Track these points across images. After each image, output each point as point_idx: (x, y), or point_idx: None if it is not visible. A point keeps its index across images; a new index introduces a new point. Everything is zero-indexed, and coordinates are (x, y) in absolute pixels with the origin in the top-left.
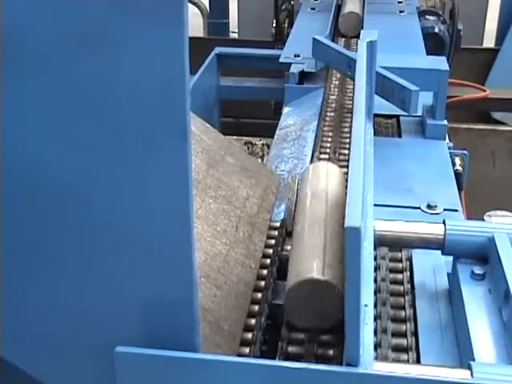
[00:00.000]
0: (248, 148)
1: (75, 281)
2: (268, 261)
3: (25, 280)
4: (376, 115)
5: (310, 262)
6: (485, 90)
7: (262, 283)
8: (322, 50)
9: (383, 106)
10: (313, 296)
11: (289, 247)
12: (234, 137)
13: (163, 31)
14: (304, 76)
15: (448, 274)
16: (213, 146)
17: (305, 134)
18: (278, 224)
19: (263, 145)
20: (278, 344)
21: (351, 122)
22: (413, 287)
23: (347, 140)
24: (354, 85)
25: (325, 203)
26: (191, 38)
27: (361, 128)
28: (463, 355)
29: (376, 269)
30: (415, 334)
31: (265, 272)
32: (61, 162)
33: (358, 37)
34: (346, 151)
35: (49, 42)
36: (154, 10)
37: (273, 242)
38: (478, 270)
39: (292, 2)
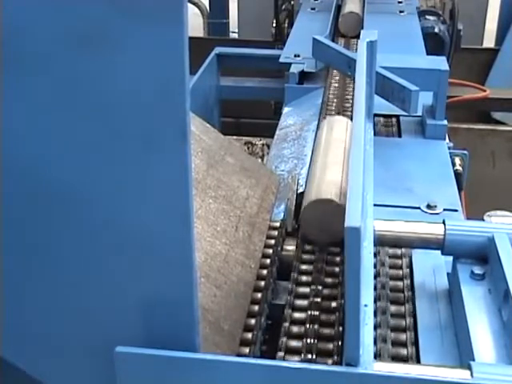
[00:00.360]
0: (248, 148)
1: (75, 281)
2: (268, 261)
3: (25, 280)
4: (376, 115)
5: (330, 187)
6: (485, 90)
7: (262, 283)
8: (322, 50)
9: (383, 106)
10: (326, 214)
11: (289, 247)
12: (234, 137)
13: (163, 31)
14: (304, 76)
15: (448, 273)
16: (213, 146)
17: (305, 134)
18: (277, 224)
19: (263, 145)
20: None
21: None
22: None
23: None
24: (353, 85)
25: (343, 146)
26: (191, 38)
27: (361, 128)
28: (463, 355)
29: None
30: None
31: (265, 272)
32: (61, 162)
33: (358, 37)
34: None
35: (49, 42)
36: (153, 10)
37: (273, 242)
38: (477, 270)
39: (292, 2)
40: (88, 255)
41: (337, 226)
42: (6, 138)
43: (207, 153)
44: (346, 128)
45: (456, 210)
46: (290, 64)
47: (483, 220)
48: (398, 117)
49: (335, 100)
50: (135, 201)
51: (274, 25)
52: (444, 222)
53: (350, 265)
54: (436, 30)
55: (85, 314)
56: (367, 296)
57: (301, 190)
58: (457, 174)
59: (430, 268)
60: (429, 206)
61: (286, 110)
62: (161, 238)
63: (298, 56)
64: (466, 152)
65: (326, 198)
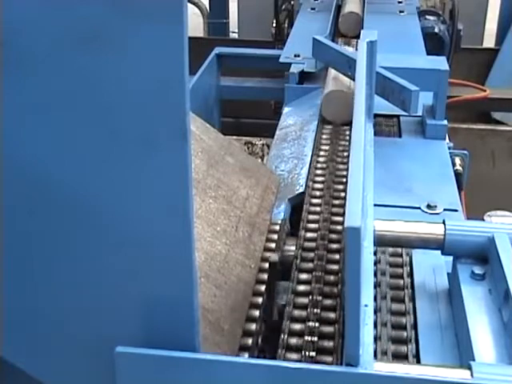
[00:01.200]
0: (248, 148)
1: (75, 281)
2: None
3: (24, 280)
4: (376, 115)
5: (342, 83)
6: (485, 90)
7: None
8: (322, 50)
9: (383, 106)
10: (339, 101)
11: (290, 247)
12: (234, 137)
13: (163, 31)
14: (304, 76)
15: (448, 273)
16: (213, 146)
17: (305, 133)
18: (278, 223)
19: (263, 145)
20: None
21: None
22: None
23: None
24: (354, 85)
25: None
26: (191, 38)
27: (361, 128)
28: (463, 355)
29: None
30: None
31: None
32: (60, 161)
33: (358, 37)
34: None
35: (49, 42)
36: (153, 9)
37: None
38: (477, 270)
39: (292, 2)
40: (88, 255)
41: (346, 110)
42: (5, 138)
43: (207, 153)
44: None
45: (456, 210)
46: (290, 64)
47: (483, 220)
48: (398, 117)
49: None
50: (135, 201)
51: (274, 25)
52: (444, 222)
53: (350, 265)
54: (436, 30)
55: (85, 314)
56: (367, 296)
57: (301, 190)
58: (457, 174)
59: (430, 268)
60: (429, 206)
61: (285, 109)
62: (161, 237)
63: (298, 56)
64: (466, 152)
65: (339, 89)
